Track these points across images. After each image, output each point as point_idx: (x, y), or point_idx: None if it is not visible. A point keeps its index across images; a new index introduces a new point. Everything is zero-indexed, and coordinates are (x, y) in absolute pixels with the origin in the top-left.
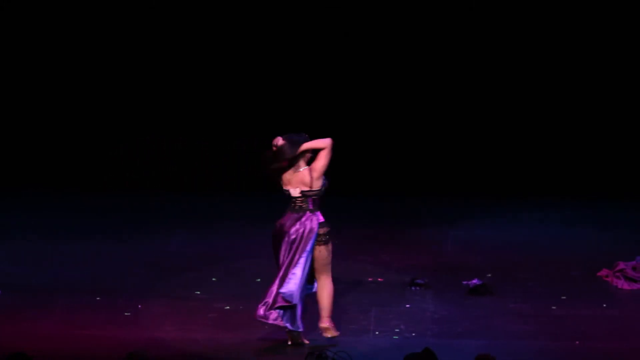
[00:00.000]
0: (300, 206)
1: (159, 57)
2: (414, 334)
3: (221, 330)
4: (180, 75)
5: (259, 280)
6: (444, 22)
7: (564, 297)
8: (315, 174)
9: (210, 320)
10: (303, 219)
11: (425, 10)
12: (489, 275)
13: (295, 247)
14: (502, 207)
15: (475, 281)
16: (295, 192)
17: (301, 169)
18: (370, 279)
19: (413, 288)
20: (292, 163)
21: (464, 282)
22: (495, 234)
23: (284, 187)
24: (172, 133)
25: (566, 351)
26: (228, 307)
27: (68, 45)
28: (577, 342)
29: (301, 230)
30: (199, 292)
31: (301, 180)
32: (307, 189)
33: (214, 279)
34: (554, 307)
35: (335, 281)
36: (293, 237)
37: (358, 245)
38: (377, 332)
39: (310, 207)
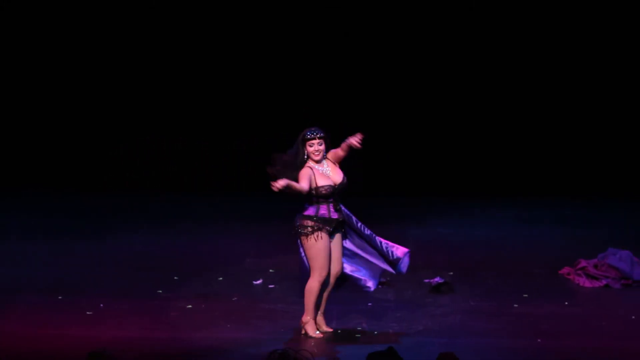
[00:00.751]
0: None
1: (159, 58)
2: (375, 332)
3: (183, 329)
4: (180, 75)
5: (220, 279)
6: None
7: (525, 295)
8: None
9: (172, 320)
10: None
11: (419, 11)
12: (451, 273)
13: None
14: (463, 205)
15: (437, 279)
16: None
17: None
18: None
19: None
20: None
21: (426, 281)
22: (456, 233)
23: None
24: (172, 133)
25: (528, 349)
26: (190, 306)
27: (68, 45)
28: (539, 340)
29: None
30: (160, 292)
31: None
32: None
33: (175, 278)
34: (515, 305)
35: (298, 279)
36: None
37: None
38: (339, 331)
39: (305, 204)
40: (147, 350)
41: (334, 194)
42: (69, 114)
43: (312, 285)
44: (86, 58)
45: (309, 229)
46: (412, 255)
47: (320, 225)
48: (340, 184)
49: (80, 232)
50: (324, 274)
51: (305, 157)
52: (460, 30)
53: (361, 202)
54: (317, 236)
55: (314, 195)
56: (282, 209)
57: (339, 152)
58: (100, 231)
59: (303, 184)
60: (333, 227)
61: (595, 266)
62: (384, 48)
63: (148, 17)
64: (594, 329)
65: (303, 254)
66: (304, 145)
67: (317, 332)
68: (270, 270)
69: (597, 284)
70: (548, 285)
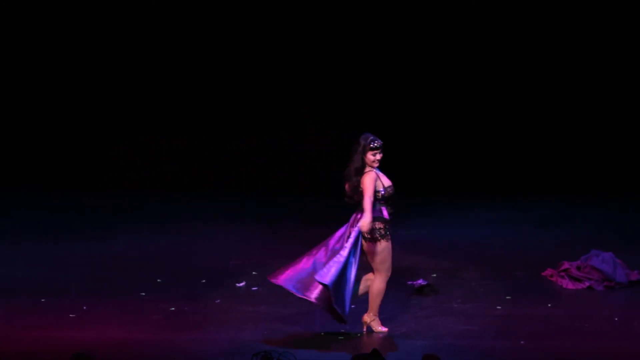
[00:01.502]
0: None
1: (160, 58)
2: (359, 335)
3: (167, 331)
4: (178, 75)
5: (204, 281)
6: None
7: (508, 297)
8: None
9: (156, 321)
10: (358, 216)
11: (416, 11)
12: (434, 275)
13: (343, 240)
14: (447, 207)
15: (420, 281)
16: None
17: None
18: None
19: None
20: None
21: (409, 283)
22: (439, 234)
23: None
24: (173, 133)
25: (511, 351)
26: (173, 309)
27: (68, 45)
28: (522, 342)
29: (354, 227)
30: (144, 294)
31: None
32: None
33: (159, 280)
34: (498, 307)
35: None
36: (344, 230)
37: (303, 245)
38: (322, 333)
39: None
40: (131, 352)
41: (393, 197)
42: (66, 113)
43: (380, 286)
44: (85, 58)
45: (383, 230)
46: (396, 257)
47: (390, 227)
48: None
49: (64, 234)
50: (389, 274)
51: (364, 162)
52: (459, 31)
53: (343, 202)
54: (388, 238)
55: (380, 198)
56: (265, 211)
57: None
58: (83, 233)
59: (369, 195)
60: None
61: (578, 268)
62: (382, 48)
63: (148, 17)
64: (576, 331)
65: (349, 253)
66: (365, 153)
67: (382, 327)
68: (254, 273)
69: (580, 285)
70: (531, 287)
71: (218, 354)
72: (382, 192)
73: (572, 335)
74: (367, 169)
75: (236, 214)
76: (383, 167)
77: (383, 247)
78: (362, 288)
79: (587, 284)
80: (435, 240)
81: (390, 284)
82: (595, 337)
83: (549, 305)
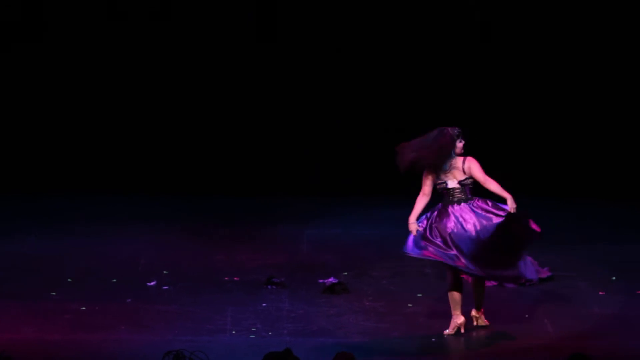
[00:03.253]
0: (460, 197)
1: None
2: (270, 333)
3: (78, 331)
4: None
5: (114, 280)
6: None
7: (419, 295)
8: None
9: (67, 321)
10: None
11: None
12: (345, 273)
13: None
14: (356, 205)
15: (331, 280)
16: (453, 183)
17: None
18: (226, 278)
19: (269, 287)
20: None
21: (320, 281)
22: (349, 233)
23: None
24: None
25: (423, 348)
26: (84, 308)
27: (67, 45)
28: (433, 340)
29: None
30: (54, 294)
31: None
32: (462, 178)
33: (69, 280)
34: (409, 305)
35: (192, 281)
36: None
37: (213, 245)
38: (233, 332)
39: (469, 195)
40: (43, 353)
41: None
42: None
43: None
44: (81, 59)
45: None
46: (307, 255)
47: None
48: None
49: None
50: None
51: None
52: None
53: (255, 202)
54: None
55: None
56: (175, 210)
57: None
58: None
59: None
60: None
61: None
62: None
63: (148, 17)
64: (488, 328)
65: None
66: (454, 144)
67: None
68: (165, 272)
69: (490, 283)
70: (441, 285)
71: (130, 353)
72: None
73: (480, 331)
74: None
75: (147, 213)
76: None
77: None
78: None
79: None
80: (344, 238)
81: (301, 282)
82: (505, 335)
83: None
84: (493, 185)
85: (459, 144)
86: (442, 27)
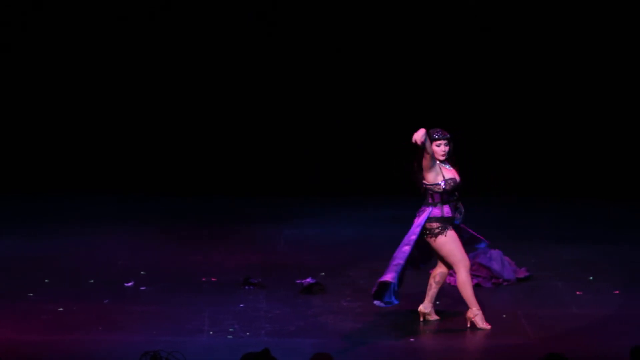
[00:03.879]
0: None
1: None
2: (247, 334)
3: (55, 332)
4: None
5: (92, 281)
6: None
7: None
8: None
9: (44, 322)
10: (419, 212)
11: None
12: (322, 274)
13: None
14: (333, 205)
15: (308, 280)
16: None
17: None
18: (203, 279)
19: (246, 287)
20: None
21: (297, 281)
22: (327, 233)
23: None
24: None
25: (400, 348)
26: (61, 309)
27: (67, 46)
28: (412, 340)
29: (414, 223)
30: (31, 294)
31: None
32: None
33: (46, 281)
34: None
35: (169, 281)
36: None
37: (190, 245)
38: (211, 332)
39: (430, 201)
40: (20, 354)
41: (456, 190)
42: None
43: (462, 278)
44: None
45: (436, 230)
46: (285, 255)
47: (446, 225)
48: (460, 182)
49: None
50: (467, 263)
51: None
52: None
53: (232, 202)
54: (445, 234)
55: (441, 192)
56: (151, 211)
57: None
58: None
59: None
60: (451, 224)
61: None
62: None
63: (148, 17)
64: (464, 327)
65: (410, 249)
66: (431, 144)
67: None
68: (142, 272)
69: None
70: (419, 285)
71: (107, 354)
72: (442, 185)
73: (461, 332)
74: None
75: (124, 214)
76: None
77: (441, 243)
78: (433, 286)
79: (475, 281)
80: (322, 238)
81: (278, 283)
82: (483, 334)
83: (437, 302)
84: None
85: (437, 149)
86: (442, 27)
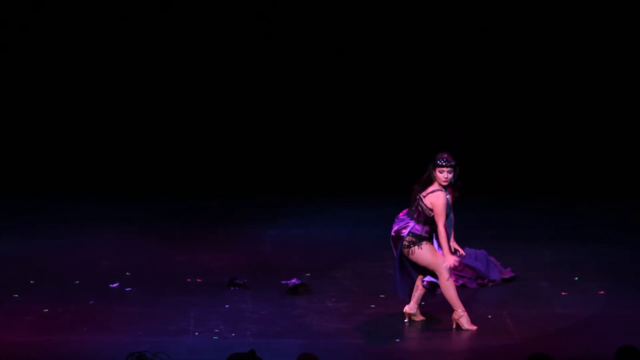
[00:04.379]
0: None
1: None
2: (233, 334)
3: (40, 333)
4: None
5: (77, 282)
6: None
7: (382, 296)
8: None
9: (29, 323)
10: (403, 222)
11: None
12: (308, 274)
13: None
14: (318, 206)
15: (294, 281)
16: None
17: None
18: (188, 280)
19: (232, 288)
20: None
21: (283, 282)
22: (312, 233)
23: None
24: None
25: (386, 349)
26: (47, 310)
27: (66, 46)
28: (397, 340)
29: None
30: (17, 295)
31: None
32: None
33: (32, 282)
34: (372, 306)
35: (154, 282)
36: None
37: (175, 246)
38: (196, 333)
39: (415, 215)
40: (4, 354)
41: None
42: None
43: (443, 282)
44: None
45: (409, 244)
46: (269, 256)
47: (420, 241)
48: (451, 214)
49: None
50: (446, 264)
51: (432, 177)
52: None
53: (215, 202)
54: (420, 246)
55: (428, 217)
56: (136, 211)
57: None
58: None
59: (441, 218)
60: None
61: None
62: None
63: (147, 17)
64: (450, 328)
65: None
66: (434, 169)
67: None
68: (127, 273)
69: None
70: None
71: (92, 355)
72: (431, 212)
73: (446, 333)
74: (436, 186)
75: (108, 215)
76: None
77: (417, 254)
78: (419, 288)
79: (460, 281)
80: (307, 239)
81: (264, 283)
82: (469, 335)
83: (423, 303)
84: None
85: (439, 175)
86: (442, 27)
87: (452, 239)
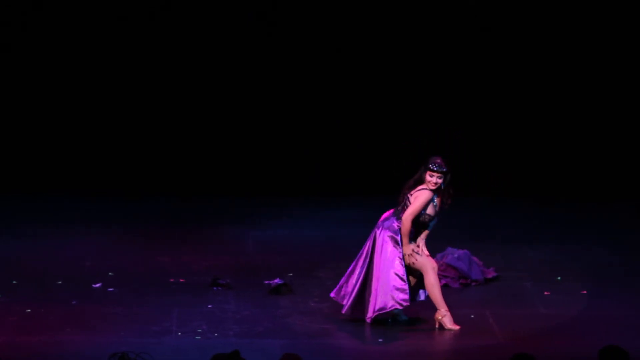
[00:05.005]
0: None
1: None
2: (216, 334)
3: (23, 334)
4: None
5: (59, 282)
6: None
7: None
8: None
9: (12, 324)
10: (389, 223)
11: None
12: (290, 274)
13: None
14: (301, 206)
15: (276, 281)
16: None
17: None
18: (171, 280)
19: (215, 288)
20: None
21: (266, 282)
22: (295, 234)
23: None
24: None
25: (368, 349)
26: (29, 310)
27: (66, 46)
28: (380, 340)
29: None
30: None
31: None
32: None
33: (14, 282)
34: None
35: (137, 282)
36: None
37: (158, 246)
38: (179, 333)
39: (401, 215)
40: None
41: (428, 225)
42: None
43: (431, 280)
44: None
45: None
46: (252, 257)
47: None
48: (436, 219)
49: None
50: (434, 265)
51: (422, 179)
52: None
53: (200, 203)
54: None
55: (416, 219)
56: (118, 211)
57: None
58: None
59: (411, 209)
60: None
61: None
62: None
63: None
64: (433, 328)
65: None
66: (425, 171)
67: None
68: (110, 274)
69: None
70: None
71: (75, 355)
72: (420, 214)
73: (428, 333)
74: (424, 186)
75: (91, 215)
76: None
77: (405, 252)
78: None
79: (443, 281)
80: (290, 239)
81: (247, 283)
82: (452, 335)
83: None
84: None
85: (430, 178)
86: (442, 27)
87: (422, 238)
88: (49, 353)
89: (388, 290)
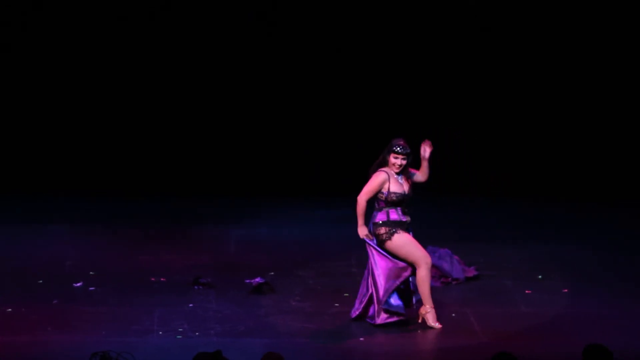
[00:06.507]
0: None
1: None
2: (197, 334)
3: (4, 334)
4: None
5: (40, 282)
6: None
7: (346, 295)
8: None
9: None
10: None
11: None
12: (272, 273)
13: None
14: (282, 205)
15: (257, 280)
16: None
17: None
18: (152, 279)
19: (196, 287)
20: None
21: (247, 281)
22: (276, 233)
23: None
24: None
25: (350, 348)
26: (10, 310)
27: (66, 46)
28: (362, 339)
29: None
30: None
31: None
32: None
33: None
34: (336, 305)
35: (118, 281)
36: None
37: (139, 245)
38: (160, 332)
39: (376, 205)
40: None
41: (402, 202)
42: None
43: (422, 274)
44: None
45: (385, 235)
46: (233, 256)
47: (394, 228)
48: (409, 193)
49: None
50: (428, 260)
51: (385, 161)
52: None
53: (180, 202)
54: (396, 237)
55: (383, 200)
56: (99, 211)
57: (417, 174)
58: None
59: (365, 190)
60: (404, 229)
61: None
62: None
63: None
64: (415, 327)
65: (375, 267)
66: (388, 154)
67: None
68: (91, 273)
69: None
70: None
71: (57, 355)
72: (385, 195)
73: (410, 332)
74: (385, 168)
75: (71, 214)
76: None
77: (396, 246)
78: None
79: None
80: (271, 238)
81: (228, 282)
82: (434, 333)
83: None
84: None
85: (394, 160)
86: (442, 27)
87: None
88: (29, 353)
89: (390, 275)
